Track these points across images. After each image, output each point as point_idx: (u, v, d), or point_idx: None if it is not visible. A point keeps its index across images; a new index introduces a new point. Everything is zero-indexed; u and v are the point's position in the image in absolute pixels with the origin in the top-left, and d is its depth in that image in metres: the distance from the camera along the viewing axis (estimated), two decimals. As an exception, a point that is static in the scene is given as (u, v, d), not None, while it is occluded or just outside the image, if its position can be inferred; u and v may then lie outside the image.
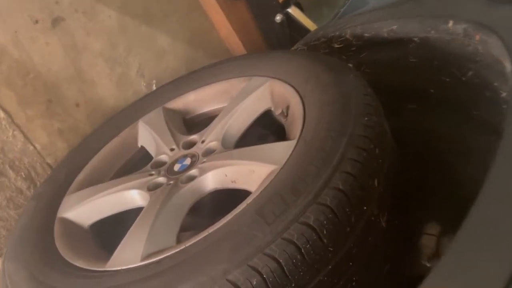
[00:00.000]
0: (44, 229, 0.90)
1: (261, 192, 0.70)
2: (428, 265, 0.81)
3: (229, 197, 0.82)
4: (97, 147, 1.10)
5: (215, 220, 0.72)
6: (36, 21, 1.09)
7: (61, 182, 1.03)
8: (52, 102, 1.15)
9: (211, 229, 0.69)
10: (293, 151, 0.75)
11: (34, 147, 1.11)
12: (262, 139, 1.01)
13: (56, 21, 1.13)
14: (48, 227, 0.90)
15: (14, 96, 1.07)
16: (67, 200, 0.96)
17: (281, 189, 0.67)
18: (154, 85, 1.34)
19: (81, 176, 1.04)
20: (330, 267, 0.63)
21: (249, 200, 0.70)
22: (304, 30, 1.42)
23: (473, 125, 0.94)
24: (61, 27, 1.14)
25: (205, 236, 0.68)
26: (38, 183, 1.12)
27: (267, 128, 1.03)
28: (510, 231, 0.53)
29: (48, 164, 1.14)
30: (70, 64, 1.16)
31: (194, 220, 0.89)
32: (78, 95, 1.20)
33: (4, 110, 1.05)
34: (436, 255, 0.80)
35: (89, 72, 1.21)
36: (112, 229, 0.92)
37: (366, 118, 0.74)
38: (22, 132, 1.09)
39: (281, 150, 0.77)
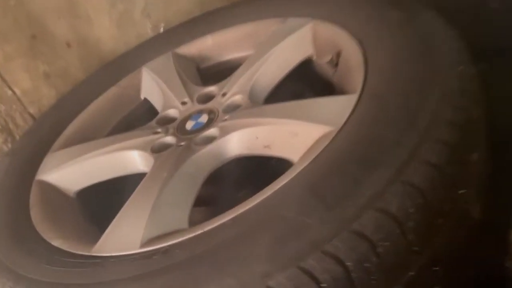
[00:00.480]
0: (17, 194, 0.71)
1: (311, 162, 0.50)
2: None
3: (260, 168, 0.62)
4: (91, 97, 0.91)
5: (243, 196, 0.52)
6: None
7: (45, 136, 0.85)
8: (37, 39, 0.94)
9: (241, 209, 0.49)
10: (354, 108, 0.54)
11: (13, 92, 0.91)
12: (299, 97, 0.80)
13: None
14: (23, 192, 0.71)
15: (-10, 27, 0.86)
16: (50, 158, 0.78)
17: (343, 160, 0.47)
18: (162, 28, 1.13)
19: (69, 131, 0.85)
20: (411, 273, 0.44)
21: (294, 172, 0.50)
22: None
23: None
24: None
25: (232, 219, 0.48)
26: (17, 137, 0.93)
27: (302, 82, 0.82)
28: None
29: (30, 114, 0.95)
30: (61, -8, 0.95)
31: (211, 193, 0.70)
32: (69, 33, 0.98)
33: (-24, 43, 0.85)
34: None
35: (84, 5, 0.99)
36: (105, 200, 0.73)
37: (461, 67, 0.53)
38: (-2, 72, 0.88)
39: (337, 107, 0.57)
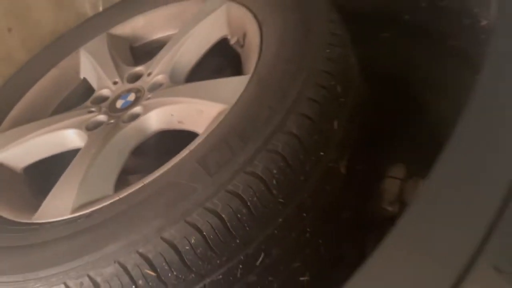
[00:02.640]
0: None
1: (206, 137, 0.61)
2: (389, 209, 0.76)
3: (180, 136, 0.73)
4: (33, 79, 0.98)
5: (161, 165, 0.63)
6: None
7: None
8: (-23, 26, 0.99)
9: (147, 179, 0.60)
10: (245, 88, 0.65)
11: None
12: (219, 73, 0.90)
13: None
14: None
15: None
16: (-2, 139, 0.86)
17: (227, 134, 0.59)
18: (100, 7, 1.18)
19: (15, 112, 0.93)
20: (280, 220, 0.57)
21: (192, 146, 0.61)
22: None
23: (450, 57, 0.86)
24: None
25: (140, 187, 0.60)
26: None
27: (225, 59, 0.91)
28: (482, 177, 0.46)
29: (-23, 98, 1.01)
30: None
31: (142, 162, 0.81)
32: (9, 18, 1.04)
33: None
34: (399, 199, 0.75)
35: (20, -10, 1.04)
36: (49, 175, 0.83)
37: (328, 50, 0.63)
38: None
39: (233, 87, 0.67)
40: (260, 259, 0.57)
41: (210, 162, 0.56)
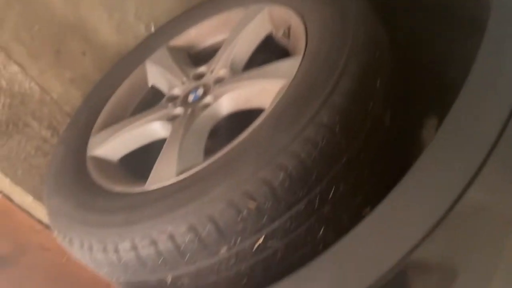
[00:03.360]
0: (78, 167, 0.98)
1: (276, 103, 0.78)
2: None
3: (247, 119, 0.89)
4: (110, 92, 1.16)
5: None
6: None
7: (83, 126, 1.09)
8: (60, 52, 1.19)
9: (235, 142, 0.77)
10: (300, 64, 0.81)
11: (51, 97, 1.17)
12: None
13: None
14: (81, 165, 0.98)
15: (24, 50, 1.12)
16: (93, 140, 1.04)
17: (294, 97, 0.75)
18: (152, 27, 1.38)
19: (100, 119, 1.10)
20: (344, 159, 0.72)
21: (266, 112, 0.78)
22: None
23: (457, 26, 0.98)
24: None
25: (232, 148, 0.76)
26: (60, 131, 1.19)
27: (271, 54, 1.08)
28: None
29: (66, 112, 1.21)
30: (71, 12, 1.19)
31: (216, 144, 0.97)
32: (82, 44, 1.24)
33: (18, 64, 1.10)
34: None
35: (90, 19, 1.24)
36: (139, 162, 1.00)
37: (364, 27, 0.80)
38: (37, 84, 1.14)
39: (289, 65, 0.84)
40: (331, 193, 0.72)
41: (285, 118, 0.72)
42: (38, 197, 1.17)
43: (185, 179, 0.77)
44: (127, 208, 0.79)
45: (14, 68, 1.10)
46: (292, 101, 0.74)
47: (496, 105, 0.64)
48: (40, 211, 1.22)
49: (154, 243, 0.72)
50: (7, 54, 1.09)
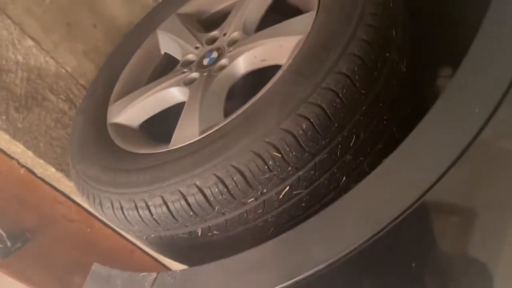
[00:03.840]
0: (99, 134, 1.00)
1: (294, 57, 0.79)
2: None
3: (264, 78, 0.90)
4: (124, 62, 1.17)
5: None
6: None
7: (100, 96, 1.11)
8: (72, 26, 1.20)
9: (255, 98, 0.78)
10: (315, 19, 0.82)
11: (66, 70, 1.19)
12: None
13: None
14: (103, 132, 1.00)
15: (37, 24, 1.13)
16: (112, 108, 1.06)
17: (312, 49, 0.76)
18: (159, -3, 1.38)
19: (117, 88, 1.12)
20: (364, 108, 0.74)
21: (284, 66, 0.79)
22: None
23: None
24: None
25: (252, 104, 0.78)
26: (77, 103, 1.21)
27: (283, 15, 1.09)
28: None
29: (81, 85, 1.23)
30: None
31: (235, 106, 0.99)
32: (92, 16, 1.24)
33: (32, 38, 1.11)
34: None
35: (97, -9, 1.25)
36: (159, 128, 1.03)
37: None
38: (52, 57, 1.16)
39: (304, 21, 0.85)
40: (353, 141, 0.75)
41: (304, 70, 0.74)
42: (60, 168, 1.20)
43: (208, 135, 0.79)
44: (154, 166, 0.81)
45: (29, 42, 1.12)
46: (310, 53, 0.76)
47: (505, 59, 0.65)
48: (62, 183, 1.25)
49: (183, 197, 0.74)
50: (22, 28, 1.10)
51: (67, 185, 1.26)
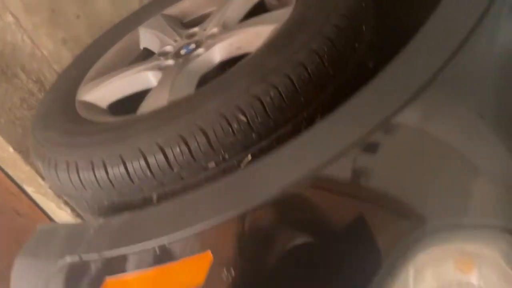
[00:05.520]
0: (66, 108, 0.98)
1: (271, 36, 0.82)
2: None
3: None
4: (101, 51, 1.19)
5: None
6: None
7: (73, 78, 1.11)
8: (55, 12, 1.22)
9: (230, 70, 0.80)
10: (293, 10, 0.87)
11: (42, 53, 1.19)
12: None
13: None
14: (70, 106, 0.99)
15: (20, 3, 1.14)
16: (83, 88, 1.05)
17: (287, 29, 0.80)
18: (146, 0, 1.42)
19: (90, 73, 1.12)
20: (331, 89, 0.77)
21: (259, 46, 0.82)
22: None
23: None
24: None
25: (225, 74, 0.79)
26: (47, 87, 1.20)
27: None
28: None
29: (55, 70, 1.22)
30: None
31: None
32: (77, 8, 1.27)
33: (12, 15, 1.12)
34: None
35: (87, -14, 1.28)
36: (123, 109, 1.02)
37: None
38: (29, 37, 1.16)
39: (283, 12, 0.89)
40: (317, 119, 0.76)
41: (276, 45, 0.77)
42: (18, 149, 1.16)
43: (177, 101, 0.80)
44: (116, 128, 0.80)
45: (9, 18, 1.12)
46: (284, 32, 0.79)
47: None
48: (18, 167, 1.20)
49: (143, 156, 0.73)
50: (4, 4, 1.11)
51: (22, 171, 1.21)
